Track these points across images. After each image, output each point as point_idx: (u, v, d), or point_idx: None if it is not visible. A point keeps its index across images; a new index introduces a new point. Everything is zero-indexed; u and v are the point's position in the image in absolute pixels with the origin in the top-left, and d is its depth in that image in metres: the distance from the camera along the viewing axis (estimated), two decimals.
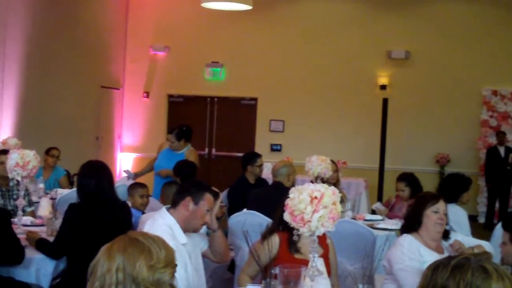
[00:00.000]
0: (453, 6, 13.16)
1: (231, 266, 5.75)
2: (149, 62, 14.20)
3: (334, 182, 7.39)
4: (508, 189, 12.13)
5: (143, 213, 5.74)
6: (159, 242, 2.38)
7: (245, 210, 5.89)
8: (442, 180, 6.97)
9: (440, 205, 4.19)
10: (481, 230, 11.07)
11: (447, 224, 4.29)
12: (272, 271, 3.25)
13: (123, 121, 14.26)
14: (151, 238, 2.38)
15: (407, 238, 4.13)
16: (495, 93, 12.79)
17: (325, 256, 3.93)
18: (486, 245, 4.52)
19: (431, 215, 4.14)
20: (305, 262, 3.39)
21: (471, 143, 12.92)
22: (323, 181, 6.70)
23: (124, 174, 8.30)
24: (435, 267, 2.22)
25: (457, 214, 5.53)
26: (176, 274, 2.42)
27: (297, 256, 3.86)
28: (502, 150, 12.06)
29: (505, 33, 12.86)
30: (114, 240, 2.36)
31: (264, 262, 3.73)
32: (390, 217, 6.89)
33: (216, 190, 4.23)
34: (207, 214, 3.99)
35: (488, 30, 12.93)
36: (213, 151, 14.08)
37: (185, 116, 13.32)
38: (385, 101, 12.08)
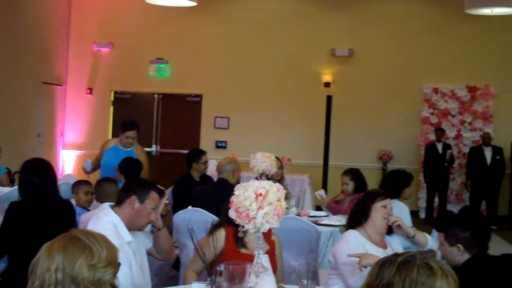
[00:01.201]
0: (395, 5, 13.37)
1: (176, 264, 5.73)
2: (92, 58, 14.01)
3: (279, 178, 7.41)
4: (446, 184, 12.40)
5: (88, 210, 5.66)
6: (102, 240, 2.35)
7: (190, 207, 5.86)
8: (385, 176, 7.06)
9: (388, 202, 4.30)
10: (422, 225, 11.28)
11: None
12: (217, 268, 3.25)
13: (65, 118, 14.04)
14: (93, 237, 2.34)
15: (353, 233, 4.19)
16: (436, 90, 13.04)
17: (271, 253, 3.94)
18: (429, 238, 4.62)
19: (380, 209, 4.23)
20: (251, 257, 3.40)
21: (413, 139, 13.16)
22: (268, 178, 6.72)
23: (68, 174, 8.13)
24: (381, 264, 2.25)
25: (400, 210, 5.61)
26: (121, 273, 2.39)
27: (243, 251, 3.88)
28: (440, 147, 12.31)
29: (445, 31, 13.12)
30: (55, 239, 2.33)
31: (210, 259, 3.73)
32: (330, 207, 6.97)
33: (162, 188, 4.21)
34: (152, 213, 3.97)
35: (430, 29, 13.18)
36: (158, 148, 13.99)
37: (129, 112, 13.19)
38: (329, 98, 12.20)
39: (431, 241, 4.50)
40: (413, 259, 2.22)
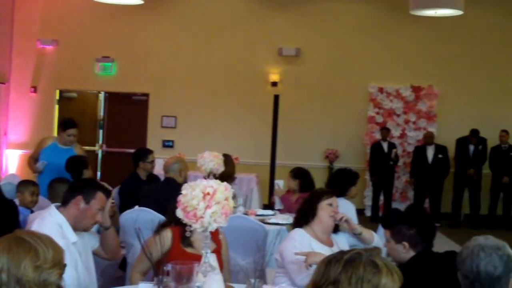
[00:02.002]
0: (341, 5, 13.50)
1: (123, 264, 5.68)
2: (36, 56, 13.76)
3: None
4: (391, 183, 12.59)
5: (32, 211, 5.57)
6: (47, 241, 2.32)
7: (136, 207, 5.82)
8: (331, 175, 7.14)
9: (334, 200, 4.35)
10: (367, 223, 11.41)
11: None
12: (165, 267, 3.24)
13: (8, 117, 13.76)
14: (38, 238, 2.31)
15: (299, 232, 4.22)
16: (381, 90, 13.22)
17: (218, 251, 3.95)
18: (375, 236, 4.68)
19: (326, 207, 4.27)
20: (198, 257, 3.40)
21: (359, 138, 13.31)
22: (216, 177, 6.72)
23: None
24: (328, 262, 2.27)
25: (346, 208, 5.67)
26: (67, 274, 2.37)
27: (189, 250, 3.87)
28: (385, 146, 12.49)
29: (390, 32, 13.31)
30: None
31: (156, 258, 3.71)
32: (283, 200, 7.03)
33: (108, 188, 4.18)
34: (98, 214, 3.93)
35: (375, 30, 13.35)
36: (104, 147, 13.84)
37: (75, 111, 13.02)
38: (276, 98, 12.24)
39: (377, 238, 4.56)
40: (359, 257, 2.25)
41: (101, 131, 13.93)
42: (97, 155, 13.73)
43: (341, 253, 2.31)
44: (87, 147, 14.14)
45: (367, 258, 2.25)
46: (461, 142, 12.44)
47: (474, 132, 12.24)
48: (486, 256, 2.85)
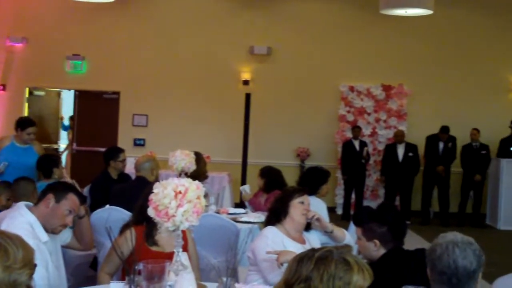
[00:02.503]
0: (313, 4, 13.55)
1: (93, 264, 5.65)
2: (5, 54, 13.59)
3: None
4: (362, 181, 12.67)
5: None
6: (17, 241, 2.30)
7: (108, 206, 5.79)
8: (302, 173, 7.18)
9: (305, 198, 4.37)
10: (339, 221, 11.49)
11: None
12: (136, 267, 3.22)
13: None
14: (8, 238, 2.29)
15: (271, 230, 4.23)
16: (352, 89, 13.30)
17: (185, 250, 3.94)
18: (346, 234, 4.71)
19: (298, 206, 4.29)
20: (163, 255, 3.40)
21: (330, 137, 13.38)
22: (188, 175, 6.71)
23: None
24: (299, 259, 2.28)
25: (317, 206, 5.69)
26: (37, 274, 2.35)
27: (154, 249, 3.86)
28: (357, 144, 12.56)
29: (361, 31, 13.40)
30: None
31: (126, 257, 3.70)
32: (252, 203, 7.04)
33: (83, 194, 4.19)
34: (69, 216, 3.90)
35: (346, 29, 13.43)
36: (75, 145, 13.73)
37: (45, 109, 12.91)
38: (247, 96, 12.26)
39: (348, 236, 4.58)
40: (331, 254, 2.26)
41: (63, 130, 13.90)
42: (68, 153, 13.63)
43: (312, 250, 2.31)
44: (55, 145, 14.13)
45: (338, 256, 2.26)
46: (431, 140, 12.56)
47: (444, 129, 12.37)
48: (461, 251, 2.88)
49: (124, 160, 7.32)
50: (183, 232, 3.52)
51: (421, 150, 12.66)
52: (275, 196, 4.74)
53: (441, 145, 12.47)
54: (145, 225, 3.86)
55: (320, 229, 4.56)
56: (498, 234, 11.92)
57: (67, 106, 14.63)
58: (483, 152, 12.46)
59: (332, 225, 4.58)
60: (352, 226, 5.17)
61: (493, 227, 12.41)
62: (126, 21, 13.52)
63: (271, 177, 7.11)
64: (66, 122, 14.51)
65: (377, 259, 3.69)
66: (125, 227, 3.96)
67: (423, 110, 13.26)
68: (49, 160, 6.73)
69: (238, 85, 13.42)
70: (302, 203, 4.33)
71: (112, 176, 7.19)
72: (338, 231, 4.56)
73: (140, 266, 3.17)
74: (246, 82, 13.41)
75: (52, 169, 6.59)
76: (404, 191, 12.47)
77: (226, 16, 13.52)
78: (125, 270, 3.29)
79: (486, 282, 7.50)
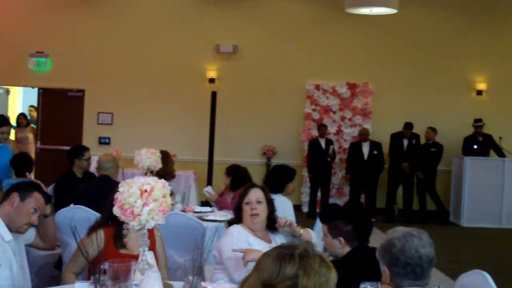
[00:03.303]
0: (278, 3, 13.59)
1: (58, 264, 5.59)
2: None
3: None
4: (328, 179, 12.73)
5: None
6: None
7: (72, 205, 5.73)
8: (268, 171, 7.19)
9: (251, 194, 4.29)
10: (305, 219, 11.55)
11: (273, 212, 4.40)
12: (102, 266, 3.20)
13: None
14: None
15: (237, 228, 4.23)
16: (317, 87, 13.37)
17: (152, 249, 3.93)
18: (313, 235, 4.72)
19: (245, 208, 4.25)
20: (131, 257, 3.37)
21: (296, 135, 13.43)
22: (155, 174, 6.69)
23: None
24: (280, 258, 2.27)
25: (283, 204, 5.72)
26: (1, 274, 2.33)
27: (122, 251, 3.85)
28: (322, 142, 12.62)
29: (326, 30, 13.47)
30: None
31: (92, 257, 3.67)
32: (218, 202, 7.04)
33: (49, 194, 4.16)
34: (34, 215, 3.86)
35: (312, 27, 13.49)
36: (39, 144, 13.58)
37: (7, 107, 12.74)
38: (213, 94, 12.25)
39: (315, 237, 4.58)
40: (307, 252, 2.27)
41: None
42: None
43: (287, 248, 2.30)
44: None
45: (314, 253, 2.28)
46: (395, 137, 12.69)
47: (408, 125, 12.52)
48: (419, 240, 2.93)
49: (89, 159, 7.26)
50: (151, 231, 3.51)
51: (386, 148, 12.77)
52: (234, 195, 4.73)
53: (405, 142, 12.60)
54: (114, 226, 3.82)
55: (289, 233, 4.49)
56: (462, 231, 12.08)
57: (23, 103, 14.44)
58: (433, 149, 12.61)
59: (300, 228, 4.55)
60: (318, 223, 5.20)
61: (456, 224, 12.58)
62: (91, 19, 13.40)
63: (237, 175, 7.11)
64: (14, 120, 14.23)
65: (342, 257, 3.72)
66: (92, 228, 3.93)
67: (388, 108, 13.39)
68: (25, 160, 6.70)
69: (204, 83, 13.40)
70: (248, 203, 4.29)
71: (77, 175, 7.13)
72: (306, 233, 4.53)
73: (106, 265, 3.15)
74: (212, 80, 13.40)
75: (25, 170, 6.58)
76: (369, 189, 12.57)
77: (192, 14, 13.48)
78: (91, 270, 3.27)
79: (450, 278, 7.63)
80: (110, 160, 6.37)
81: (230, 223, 4.48)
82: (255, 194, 4.30)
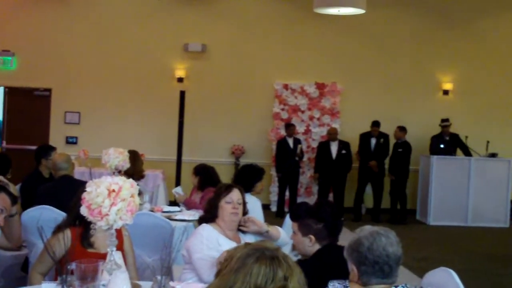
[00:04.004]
0: (247, 2, 13.58)
1: (24, 266, 5.53)
2: None
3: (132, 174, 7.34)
4: (296, 178, 12.77)
5: None
6: None
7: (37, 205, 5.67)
8: (237, 171, 7.19)
9: (234, 194, 4.31)
10: (273, 218, 11.58)
11: (246, 214, 4.42)
12: (69, 266, 3.18)
13: None
14: None
15: (206, 228, 4.21)
16: (286, 87, 13.40)
17: (120, 249, 3.91)
18: (281, 231, 4.73)
19: (225, 206, 4.26)
20: (99, 256, 3.35)
21: (264, 134, 13.45)
22: (124, 174, 6.65)
23: None
24: (271, 262, 2.24)
25: (252, 204, 5.72)
26: None
27: (90, 250, 3.83)
28: (290, 142, 12.65)
29: (295, 30, 13.51)
30: None
31: (59, 258, 3.64)
32: (187, 203, 7.02)
33: (15, 195, 4.12)
34: (0, 215, 3.82)
35: (280, 27, 13.52)
36: (4, 144, 13.41)
37: None
38: (182, 94, 12.21)
39: (283, 233, 4.58)
40: (282, 253, 2.29)
41: None
42: None
43: (267, 250, 2.28)
44: None
45: (285, 254, 2.30)
46: (364, 137, 12.78)
47: (376, 122, 12.62)
48: (387, 238, 2.94)
49: None
50: (119, 230, 3.49)
51: (354, 148, 12.85)
52: (208, 197, 4.72)
53: (373, 141, 12.69)
54: (81, 226, 3.80)
55: (255, 230, 4.48)
56: (428, 229, 12.21)
57: None
58: (400, 150, 12.72)
59: (267, 225, 4.56)
60: (286, 222, 5.22)
61: (423, 222, 12.70)
62: (58, 17, 13.27)
63: (205, 174, 7.10)
64: None
65: (311, 255, 3.73)
66: (59, 228, 3.90)
67: (356, 108, 13.47)
68: (4, 161, 6.66)
69: (172, 82, 13.36)
70: (229, 202, 4.30)
71: (43, 175, 7.08)
72: (273, 229, 4.54)
73: (73, 266, 3.12)
74: (180, 80, 13.36)
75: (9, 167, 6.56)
76: (337, 188, 12.63)
77: (160, 13, 13.42)
78: (58, 270, 3.24)
79: (417, 276, 7.71)
80: (66, 160, 6.32)
81: (200, 220, 4.45)
82: (237, 195, 4.34)
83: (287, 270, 2.22)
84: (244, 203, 4.41)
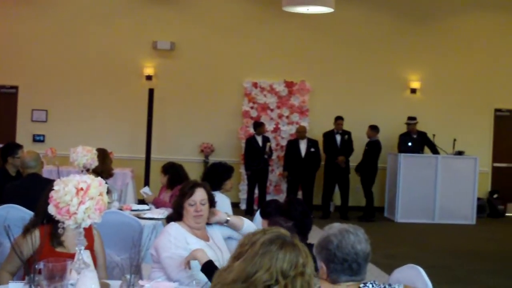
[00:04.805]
0: (217, 0, 13.57)
1: None
2: None
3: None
4: (266, 176, 12.79)
5: None
6: None
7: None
8: (206, 169, 7.18)
9: (197, 196, 4.22)
10: (242, 216, 11.55)
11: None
12: (36, 266, 3.15)
13: None
14: None
15: (174, 226, 4.20)
16: (255, 85, 13.41)
17: (90, 248, 3.88)
18: (245, 221, 4.73)
19: (188, 208, 4.21)
20: (68, 256, 3.33)
21: (234, 133, 13.45)
22: (93, 172, 6.61)
23: None
24: (293, 247, 2.26)
25: (221, 202, 5.71)
26: None
27: (59, 249, 3.80)
28: (260, 140, 12.67)
29: (264, 28, 13.53)
30: None
31: (27, 257, 3.60)
32: (156, 203, 6.99)
33: None
34: None
35: (249, 25, 13.52)
36: None
37: None
38: (151, 92, 12.17)
39: (247, 224, 4.54)
40: (298, 240, 2.32)
41: None
42: None
43: (287, 237, 2.30)
44: None
45: (301, 243, 2.34)
46: (328, 135, 12.85)
47: (338, 117, 12.72)
48: (355, 236, 2.96)
49: None
50: (89, 229, 3.47)
51: (322, 146, 12.90)
52: (176, 195, 4.68)
53: (338, 138, 12.76)
54: (50, 225, 3.76)
55: (216, 222, 4.47)
56: (396, 226, 12.32)
57: None
58: (366, 148, 12.83)
59: (227, 214, 4.53)
60: (257, 218, 5.22)
61: (391, 220, 12.81)
62: (25, 14, 13.11)
63: (173, 173, 7.09)
64: None
65: None
66: (27, 227, 3.85)
67: (324, 106, 13.53)
68: None
69: (141, 80, 13.29)
70: (192, 204, 4.22)
71: (10, 173, 7.02)
72: (234, 218, 4.52)
73: (41, 265, 3.09)
74: (149, 78, 13.29)
75: None
76: (306, 185, 12.68)
77: (129, 10, 13.34)
78: (26, 270, 3.21)
79: (385, 273, 7.77)
80: (35, 158, 6.26)
81: (168, 219, 4.43)
82: (200, 195, 4.24)
83: (306, 257, 2.25)
84: (211, 200, 4.34)
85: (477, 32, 14.03)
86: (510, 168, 14.43)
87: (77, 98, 13.18)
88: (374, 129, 12.78)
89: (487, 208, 13.87)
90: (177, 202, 4.32)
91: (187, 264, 3.79)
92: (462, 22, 14.01)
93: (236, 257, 2.26)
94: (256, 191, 12.74)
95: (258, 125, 12.75)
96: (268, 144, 12.60)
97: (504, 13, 14.05)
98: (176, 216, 4.29)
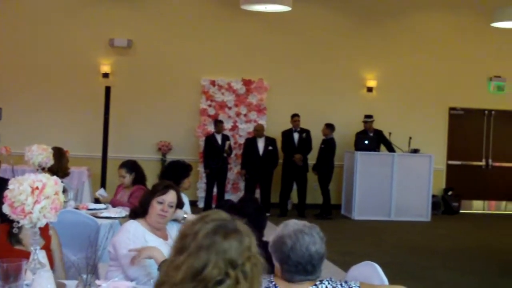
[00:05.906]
0: None
1: None
2: None
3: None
4: (224, 174, 12.79)
5: None
6: None
7: None
8: (164, 167, 7.16)
9: (168, 196, 4.28)
10: None
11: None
12: None
13: None
14: None
15: (133, 224, 4.19)
16: (213, 83, 13.40)
17: (47, 248, 3.84)
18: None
19: (156, 205, 4.23)
20: (27, 254, 3.29)
21: (191, 131, 13.41)
22: (48, 171, 6.53)
23: None
24: (236, 233, 2.20)
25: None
26: None
27: (17, 247, 3.77)
28: (219, 138, 12.66)
29: (222, 26, 13.52)
30: None
31: None
32: (114, 203, 6.93)
33: None
34: None
35: (207, 23, 13.50)
36: None
37: None
38: (107, 89, 12.07)
39: None
40: (237, 221, 2.29)
41: None
42: None
43: (228, 223, 2.24)
44: None
45: (241, 224, 2.31)
46: (286, 134, 12.92)
47: (295, 115, 12.78)
48: (310, 237, 2.94)
49: None
50: (45, 228, 3.43)
51: (280, 144, 12.96)
52: (140, 193, 4.67)
53: (296, 136, 12.82)
54: (5, 223, 3.71)
55: (173, 219, 4.50)
56: (353, 224, 12.43)
57: None
58: (322, 146, 12.93)
59: (183, 212, 4.54)
60: None
61: (348, 217, 12.93)
62: None
63: (138, 171, 7.01)
64: None
65: None
66: None
67: (282, 104, 13.58)
68: None
69: (97, 78, 13.16)
70: (161, 203, 4.26)
71: None
72: (191, 216, 4.55)
73: None
74: (106, 75, 13.17)
75: None
76: (264, 184, 12.71)
77: (85, 7, 13.20)
78: None
79: (342, 270, 7.84)
80: None
81: (132, 213, 4.41)
82: (171, 197, 4.30)
83: (249, 237, 2.21)
84: (178, 205, 4.38)
85: (432, 32, 14.24)
86: (464, 166, 14.70)
87: (32, 95, 13.00)
88: (329, 127, 12.88)
89: (442, 205, 14.11)
90: (145, 197, 4.33)
91: (137, 260, 3.77)
92: (418, 22, 14.22)
93: (179, 250, 2.20)
94: (215, 189, 12.73)
95: (218, 124, 12.74)
96: (228, 142, 12.60)
97: (458, 13, 14.28)
98: (141, 211, 4.28)
